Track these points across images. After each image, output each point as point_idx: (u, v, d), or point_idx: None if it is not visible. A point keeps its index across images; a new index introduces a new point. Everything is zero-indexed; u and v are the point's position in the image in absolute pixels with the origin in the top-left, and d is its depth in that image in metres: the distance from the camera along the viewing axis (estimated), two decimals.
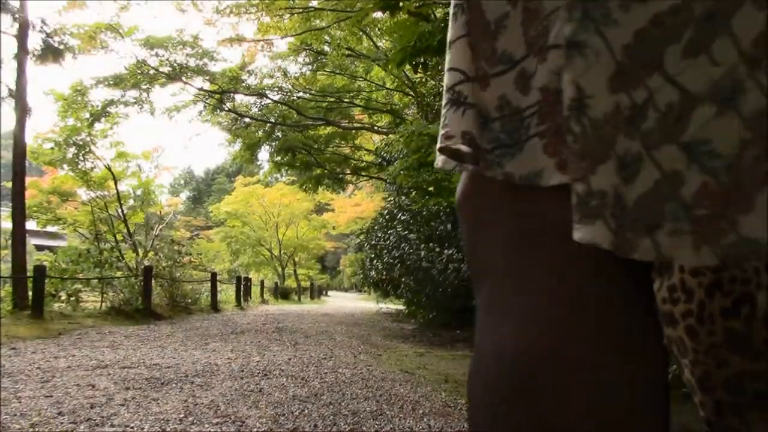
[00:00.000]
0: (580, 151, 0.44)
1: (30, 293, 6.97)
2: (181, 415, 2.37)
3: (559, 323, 0.46)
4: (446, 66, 0.55)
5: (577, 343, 0.46)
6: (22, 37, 7.92)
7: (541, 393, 0.45)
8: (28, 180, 9.40)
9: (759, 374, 0.65)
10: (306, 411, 2.56)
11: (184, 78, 11.86)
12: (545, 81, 0.47)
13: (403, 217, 9.92)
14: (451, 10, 0.54)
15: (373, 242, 10.48)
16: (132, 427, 2.18)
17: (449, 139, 0.52)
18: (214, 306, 11.39)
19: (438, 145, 0.54)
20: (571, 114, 0.44)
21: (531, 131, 0.48)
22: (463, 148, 0.52)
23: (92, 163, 11.98)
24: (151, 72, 11.37)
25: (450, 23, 0.55)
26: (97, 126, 11.62)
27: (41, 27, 8.55)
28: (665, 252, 0.41)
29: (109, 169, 12.15)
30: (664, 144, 0.40)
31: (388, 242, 9.76)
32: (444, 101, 0.54)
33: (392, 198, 12.21)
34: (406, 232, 9.57)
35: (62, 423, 2.22)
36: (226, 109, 13.43)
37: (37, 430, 2.11)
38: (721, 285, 0.66)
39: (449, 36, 0.55)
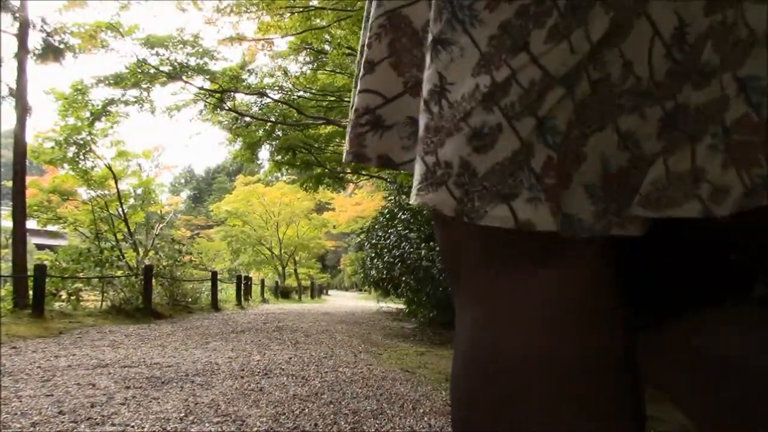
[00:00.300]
0: (434, 128, 0.48)
1: (31, 292, 6.97)
2: (182, 414, 2.37)
3: (553, 322, 0.46)
4: (363, 85, 0.57)
5: (571, 342, 0.45)
6: (22, 36, 7.92)
7: (540, 390, 0.45)
8: (28, 179, 9.40)
9: None
10: (306, 410, 2.56)
11: (184, 77, 11.86)
12: None
13: (403, 216, 9.92)
14: (372, 32, 0.58)
15: (374, 241, 10.48)
16: (132, 426, 2.18)
17: (366, 161, 0.59)
18: (215, 305, 11.39)
19: (348, 158, 0.60)
20: (430, 98, 0.48)
21: None
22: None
23: (93, 162, 11.99)
24: (152, 71, 11.36)
25: (371, 44, 0.57)
26: (98, 125, 11.62)
27: (41, 26, 8.56)
28: (523, 219, 0.44)
29: (109, 168, 12.15)
30: (524, 117, 0.44)
31: (388, 241, 9.77)
32: (362, 120, 0.57)
33: (393, 197, 12.20)
34: (407, 231, 9.57)
35: (63, 422, 2.22)
36: (227, 108, 13.43)
37: (37, 429, 2.11)
38: None
39: (372, 56, 0.57)
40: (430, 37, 0.49)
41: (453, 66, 0.47)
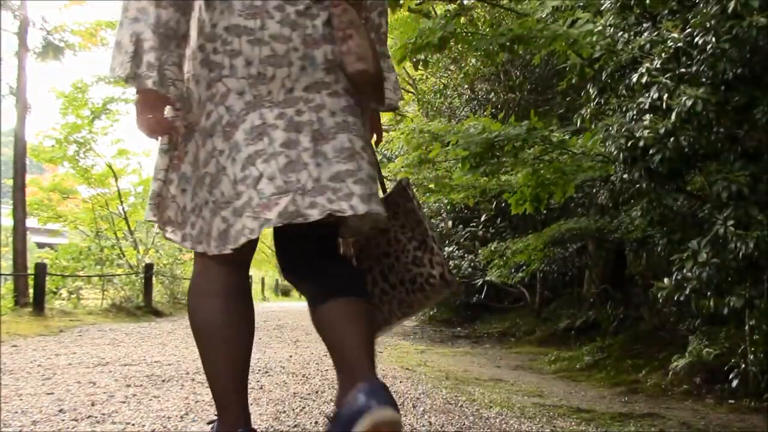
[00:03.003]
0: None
1: (31, 290, 6.97)
2: (182, 413, 2.37)
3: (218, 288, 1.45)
4: None
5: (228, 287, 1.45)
6: (22, 34, 7.91)
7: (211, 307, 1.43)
8: (28, 177, 9.40)
9: None
10: (307, 408, 2.57)
11: None
12: None
13: None
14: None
15: None
16: (133, 425, 2.18)
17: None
18: None
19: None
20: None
21: None
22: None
23: (93, 160, 11.96)
24: None
25: None
26: (98, 123, 11.59)
27: (42, 24, 8.55)
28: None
29: (109, 166, 12.13)
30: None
31: None
32: None
33: None
34: None
35: (63, 420, 2.22)
36: None
37: (38, 427, 2.12)
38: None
39: None
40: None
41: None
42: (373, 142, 1.62)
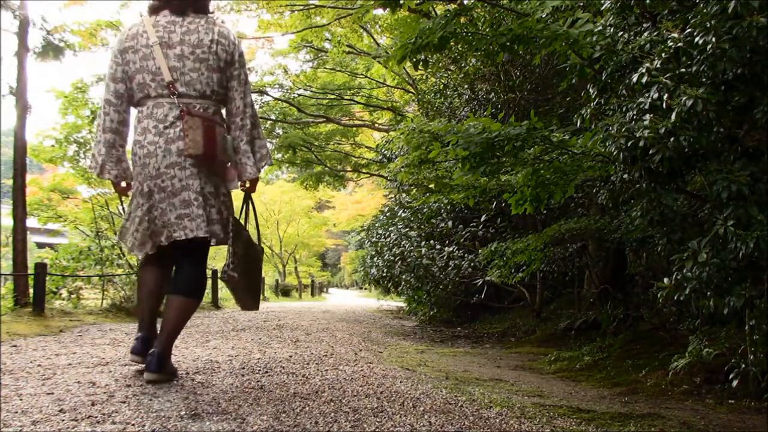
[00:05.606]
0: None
1: (31, 290, 6.97)
2: (182, 412, 2.37)
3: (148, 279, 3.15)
4: None
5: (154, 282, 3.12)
6: (22, 34, 7.91)
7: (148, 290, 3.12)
8: (28, 177, 9.38)
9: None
10: (307, 408, 2.57)
11: None
12: None
13: (403, 215, 9.91)
14: None
15: (374, 239, 10.48)
16: (133, 425, 2.18)
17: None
18: (215, 303, 11.39)
19: None
20: None
21: None
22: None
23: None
24: None
25: None
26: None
27: (42, 24, 8.53)
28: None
29: None
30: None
31: (388, 239, 9.76)
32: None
33: (393, 195, 12.18)
34: (407, 229, 9.56)
35: (63, 420, 2.22)
36: None
37: (38, 427, 2.12)
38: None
39: None
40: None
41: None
42: (247, 184, 3.08)
